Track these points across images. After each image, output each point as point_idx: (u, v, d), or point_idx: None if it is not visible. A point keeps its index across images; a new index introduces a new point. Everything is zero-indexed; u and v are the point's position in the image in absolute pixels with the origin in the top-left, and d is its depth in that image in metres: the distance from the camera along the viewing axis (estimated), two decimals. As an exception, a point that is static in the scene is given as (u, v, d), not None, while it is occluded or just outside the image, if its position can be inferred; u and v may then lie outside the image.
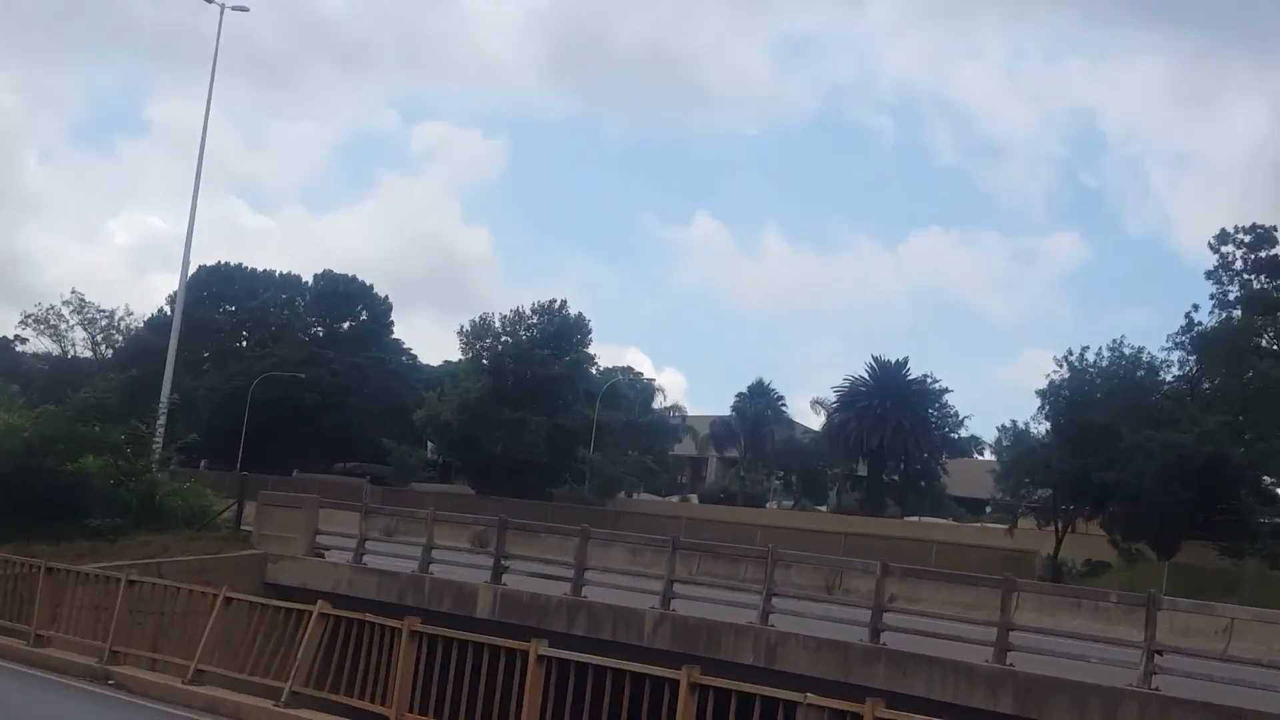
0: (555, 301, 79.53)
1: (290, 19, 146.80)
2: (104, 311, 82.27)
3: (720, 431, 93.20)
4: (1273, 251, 60.02)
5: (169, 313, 65.33)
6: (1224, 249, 60.55)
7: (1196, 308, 58.62)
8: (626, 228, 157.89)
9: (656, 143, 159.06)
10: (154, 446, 32.22)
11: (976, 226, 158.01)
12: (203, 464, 65.34)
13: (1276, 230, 60.07)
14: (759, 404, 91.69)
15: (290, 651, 16.91)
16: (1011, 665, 16.94)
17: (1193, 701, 15.26)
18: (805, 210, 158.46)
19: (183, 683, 17.71)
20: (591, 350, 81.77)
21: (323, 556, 26.01)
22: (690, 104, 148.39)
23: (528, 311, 79.22)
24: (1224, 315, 58.23)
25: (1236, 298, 59.24)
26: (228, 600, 18.27)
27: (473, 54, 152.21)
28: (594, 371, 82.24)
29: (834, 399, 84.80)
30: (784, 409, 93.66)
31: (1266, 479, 52.77)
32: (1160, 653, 16.41)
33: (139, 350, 71.46)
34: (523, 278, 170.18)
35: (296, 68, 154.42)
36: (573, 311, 79.98)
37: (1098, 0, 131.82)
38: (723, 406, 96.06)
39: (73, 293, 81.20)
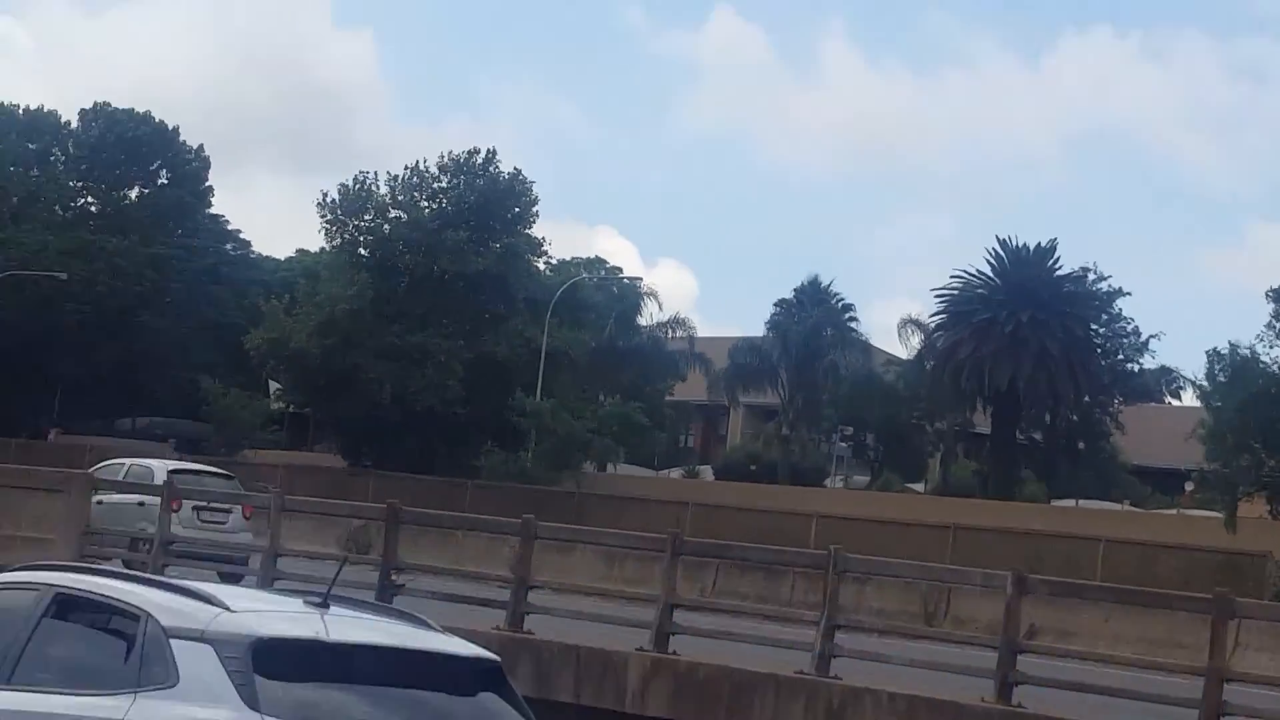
0: (478, 153, 79.01)
1: None
2: None
3: (750, 363, 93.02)
4: None
5: None
6: None
7: None
8: (597, 33, 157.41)
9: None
10: None
11: (1173, 24, 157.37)
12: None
13: None
14: (814, 317, 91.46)
15: None
16: (1231, 736, 17.07)
17: None
18: (890, 7, 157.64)
19: None
20: (538, 232, 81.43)
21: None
22: None
23: (433, 170, 78.84)
24: None
25: None
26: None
27: None
28: (543, 267, 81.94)
29: (937, 311, 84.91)
30: (853, 327, 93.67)
31: None
32: None
33: None
34: (428, 114, 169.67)
35: None
36: (506, 169, 79.60)
37: None
38: (754, 324, 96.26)
39: None
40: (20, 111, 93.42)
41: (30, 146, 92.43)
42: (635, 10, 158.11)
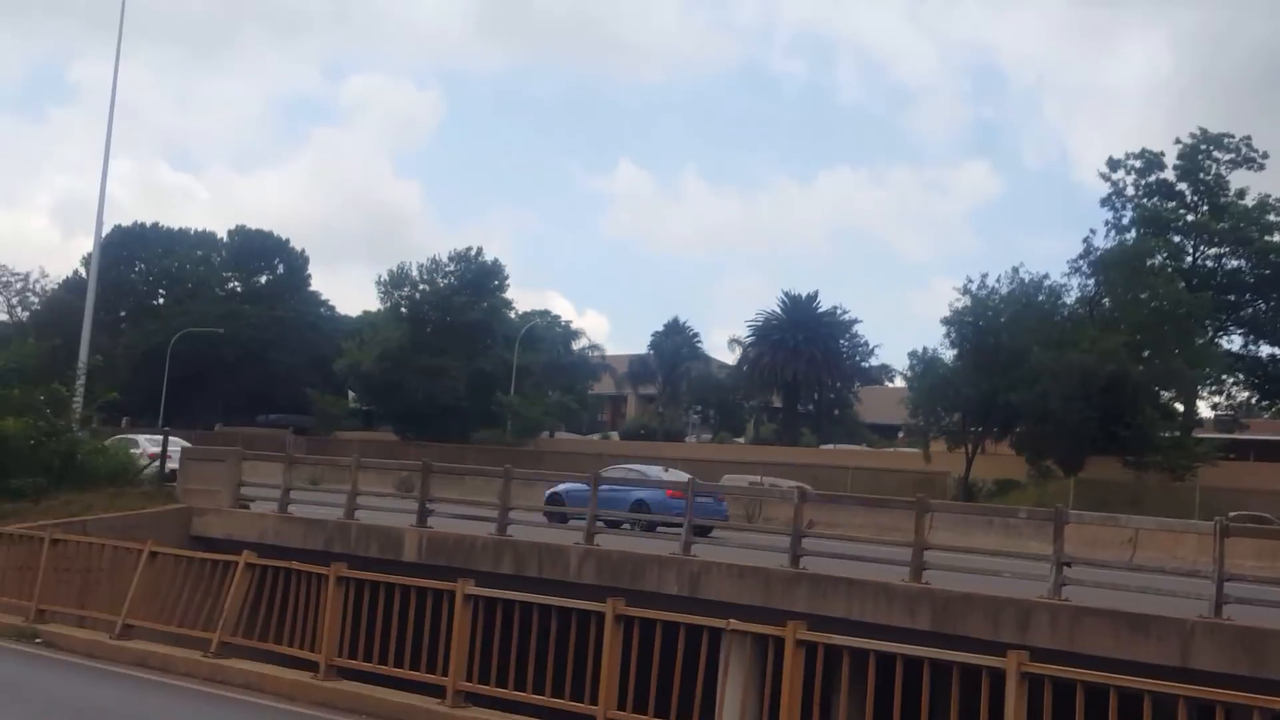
0: (472, 249, 78.84)
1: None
2: (19, 275, 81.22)
3: (638, 369, 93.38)
4: (1161, 175, 61.32)
5: (84, 274, 64.06)
6: (1115, 175, 62.09)
7: (1093, 232, 60.19)
8: (553, 178, 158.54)
9: (581, 96, 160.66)
10: (74, 406, 31.64)
11: (886, 163, 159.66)
12: (124, 421, 64.15)
13: (1164, 155, 61.37)
14: (675, 341, 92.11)
15: (218, 603, 16.78)
16: (928, 583, 17.08)
17: (1101, 610, 15.50)
18: (723, 154, 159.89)
19: (110, 638, 17.53)
20: (509, 295, 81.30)
21: (248, 508, 25.66)
22: (612, 57, 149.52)
23: (445, 259, 78.55)
24: (1119, 238, 59.49)
25: (1130, 220, 60.56)
26: (153, 555, 18.08)
27: (403, 16, 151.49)
28: (512, 316, 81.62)
29: (749, 334, 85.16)
30: (699, 345, 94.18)
31: (1165, 394, 53.82)
32: (1069, 564, 16.63)
33: (55, 312, 70.62)
34: (453, 229, 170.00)
35: (227, 32, 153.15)
36: (489, 258, 79.32)
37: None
38: (641, 346, 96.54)
39: (-13, 258, 79.89)
40: (193, 232, 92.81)
41: (199, 253, 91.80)
42: (575, 165, 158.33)
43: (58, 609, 18.93)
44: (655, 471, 31.61)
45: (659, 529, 24.46)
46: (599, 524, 20.94)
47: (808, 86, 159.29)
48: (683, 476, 26.84)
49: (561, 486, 27.25)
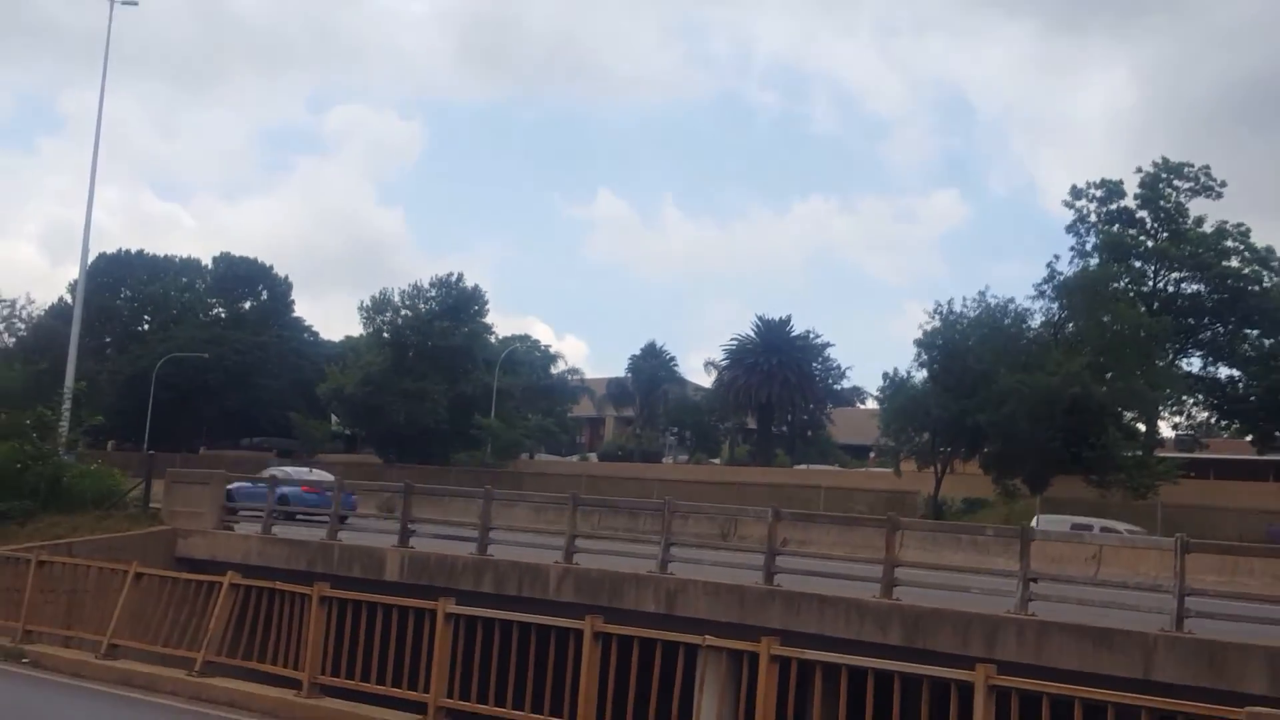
0: (453, 275, 78.59)
1: (205, 18, 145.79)
2: (6, 301, 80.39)
3: (616, 392, 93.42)
4: (1123, 203, 61.98)
5: (70, 301, 63.78)
6: (1079, 203, 62.78)
7: (1057, 258, 60.98)
8: (534, 206, 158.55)
9: (561, 126, 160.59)
10: (60, 431, 31.48)
11: (858, 191, 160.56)
12: (110, 445, 63.91)
13: (1123, 183, 62.06)
14: (653, 364, 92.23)
15: (202, 623, 16.74)
16: (898, 599, 17.17)
17: (1067, 624, 15.60)
18: (700, 183, 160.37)
19: (96, 657, 17.49)
20: (489, 320, 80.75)
21: (232, 530, 25.58)
22: (591, 88, 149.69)
23: (426, 285, 78.32)
24: (1083, 264, 60.01)
25: (1093, 246, 61.16)
26: (138, 576, 18.04)
27: (386, 48, 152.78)
28: (492, 340, 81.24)
29: (725, 357, 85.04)
30: (676, 369, 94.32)
31: (1127, 415, 54.13)
32: (1035, 580, 16.75)
33: (41, 338, 70.08)
34: (435, 255, 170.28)
35: (212, 63, 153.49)
36: (470, 284, 79.05)
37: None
38: (621, 370, 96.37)
39: (-30, 283, 79.35)
40: (179, 259, 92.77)
41: (184, 280, 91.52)
42: (556, 195, 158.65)
43: (44, 629, 18.85)
44: (301, 473, 37.14)
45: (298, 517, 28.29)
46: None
47: (782, 118, 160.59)
48: (327, 477, 32.78)
49: (233, 485, 28.96)
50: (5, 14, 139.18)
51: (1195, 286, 60.98)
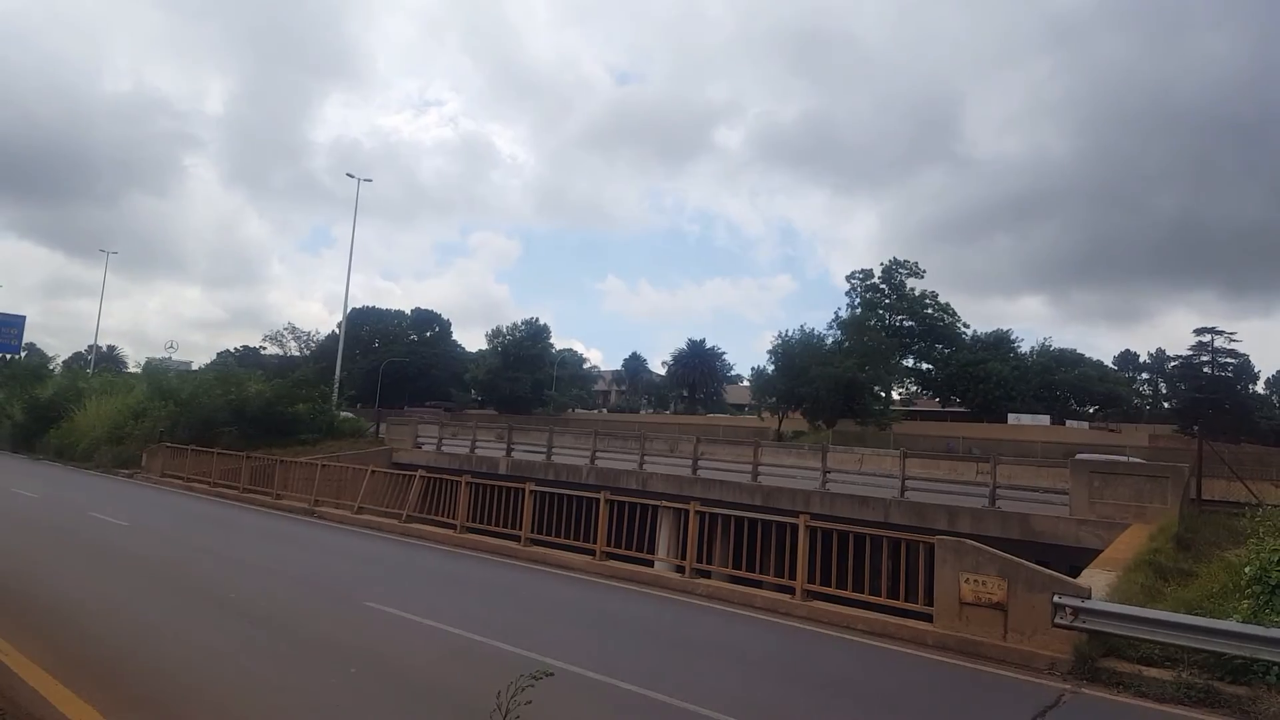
0: (533, 318, 78.14)
1: (405, 186, 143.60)
2: (305, 332, 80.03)
3: (617, 378, 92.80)
4: (872, 280, 62.09)
5: (338, 332, 63.32)
6: (851, 281, 62.68)
7: (839, 309, 60.69)
8: (575, 283, 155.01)
9: (588, 243, 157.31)
10: (333, 398, 31.23)
11: (739, 275, 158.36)
12: (359, 406, 62.86)
13: (874, 271, 62.16)
14: (636, 364, 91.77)
15: (406, 496, 16.52)
16: (760, 483, 17.07)
17: (845, 495, 15.55)
18: (659, 270, 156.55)
19: (351, 514, 17.21)
20: (552, 341, 79.84)
21: (420, 448, 25.31)
22: (603, 221, 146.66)
23: (519, 323, 77.70)
24: (853, 312, 60.09)
25: (858, 303, 61.28)
26: (373, 472, 17.83)
27: (500, 201, 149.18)
28: (553, 350, 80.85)
29: (672, 360, 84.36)
30: (648, 365, 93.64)
31: (876, 388, 54.21)
32: (829, 472, 16.70)
33: (322, 352, 69.40)
34: (524, 309, 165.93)
35: (408, 209, 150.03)
36: (542, 322, 78.27)
37: (788, 160, 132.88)
38: (619, 365, 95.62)
39: (288, 324, 78.58)
40: (393, 311, 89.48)
41: (396, 322, 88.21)
42: (585, 276, 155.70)
43: (324, 499, 18.59)
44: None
45: None
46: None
47: (701, 238, 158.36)
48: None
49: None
50: (299, 183, 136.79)
51: (910, 323, 61.14)
